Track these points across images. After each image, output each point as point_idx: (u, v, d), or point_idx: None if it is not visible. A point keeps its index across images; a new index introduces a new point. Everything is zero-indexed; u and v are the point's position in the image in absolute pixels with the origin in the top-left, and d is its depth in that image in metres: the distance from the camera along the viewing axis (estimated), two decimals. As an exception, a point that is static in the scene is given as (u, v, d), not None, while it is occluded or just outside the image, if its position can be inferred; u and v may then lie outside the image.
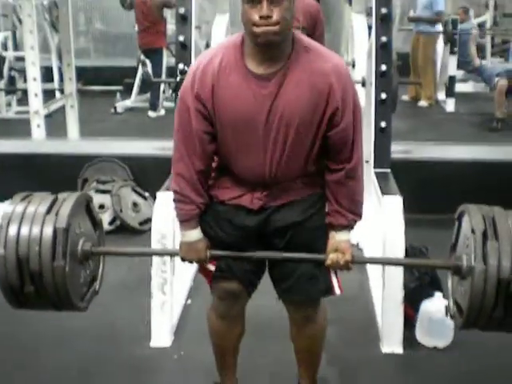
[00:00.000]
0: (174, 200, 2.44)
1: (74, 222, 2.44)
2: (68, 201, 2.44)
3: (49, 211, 2.40)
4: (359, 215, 2.45)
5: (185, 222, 2.45)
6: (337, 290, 2.53)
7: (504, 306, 2.25)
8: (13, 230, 2.36)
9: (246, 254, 2.47)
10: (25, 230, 2.36)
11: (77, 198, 2.48)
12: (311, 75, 2.24)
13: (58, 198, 2.48)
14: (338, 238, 2.43)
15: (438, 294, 3.48)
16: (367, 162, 4.32)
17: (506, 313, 2.26)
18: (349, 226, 2.44)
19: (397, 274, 3.32)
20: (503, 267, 2.23)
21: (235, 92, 2.26)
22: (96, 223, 2.63)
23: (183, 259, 2.51)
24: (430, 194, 5.01)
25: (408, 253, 3.45)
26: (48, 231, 2.35)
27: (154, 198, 3.58)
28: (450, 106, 8.62)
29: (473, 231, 2.30)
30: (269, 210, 2.43)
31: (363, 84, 4.72)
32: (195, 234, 2.45)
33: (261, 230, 2.45)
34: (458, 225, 2.51)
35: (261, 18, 2.14)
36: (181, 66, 4.04)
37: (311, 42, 2.32)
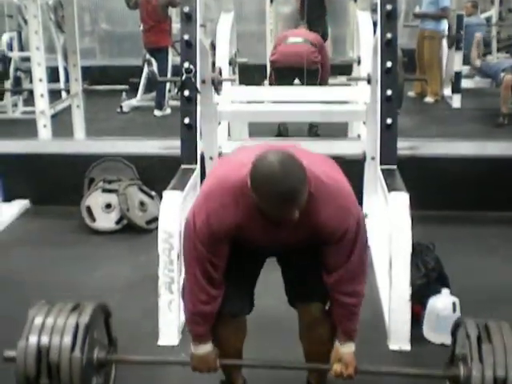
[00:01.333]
0: (189, 319, 2.56)
1: (94, 326, 2.62)
2: (89, 306, 2.65)
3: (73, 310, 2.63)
4: (355, 331, 2.60)
5: (197, 337, 2.56)
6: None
7: None
8: (38, 321, 2.57)
9: (250, 362, 2.71)
10: (49, 322, 2.56)
11: (98, 305, 2.71)
12: (310, 225, 2.34)
13: (81, 304, 2.68)
14: (342, 349, 2.57)
15: (445, 291, 3.48)
16: (373, 158, 4.32)
17: None
18: (350, 337, 2.58)
19: (404, 272, 3.32)
20: (499, 366, 2.40)
21: (254, 236, 2.41)
22: (111, 339, 2.81)
23: (195, 369, 2.62)
24: (437, 190, 5.02)
25: (415, 249, 3.44)
26: (70, 325, 2.55)
27: (161, 196, 3.59)
28: (456, 101, 8.59)
29: (468, 336, 2.50)
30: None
31: (369, 81, 4.72)
32: (207, 348, 2.57)
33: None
34: (454, 337, 2.71)
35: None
36: (186, 64, 4.04)
37: (319, 182, 2.31)
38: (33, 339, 2.53)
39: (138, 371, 3.07)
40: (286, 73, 6.46)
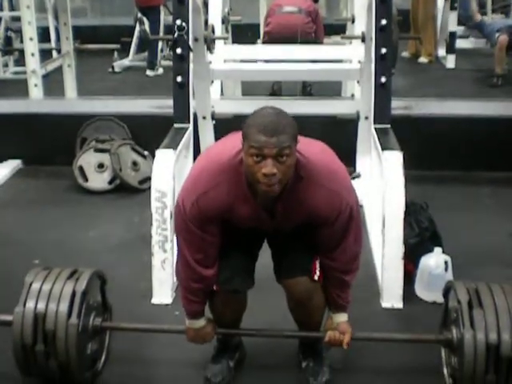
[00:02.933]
0: (183, 295, 2.55)
1: (90, 293, 2.66)
2: (86, 273, 2.69)
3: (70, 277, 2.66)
4: (348, 302, 2.61)
5: (191, 314, 2.58)
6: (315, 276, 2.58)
7: (495, 371, 2.42)
8: (35, 287, 2.61)
9: (247, 331, 2.72)
10: (46, 290, 2.60)
11: (95, 272, 2.74)
12: (302, 208, 2.34)
13: (78, 270, 2.72)
14: (335, 319, 2.59)
15: (437, 250, 3.49)
16: (367, 118, 4.30)
17: (497, 378, 2.43)
18: (343, 306, 2.59)
19: (397, 230, 3.32)
20: (490, 332, 2.42)
21: (244, 219, 2.39)
22: (106, 305, 2.83)
23: (191, 341, 2.66)
24: (431, 150, 5.01)
25: (408, 208, 3.44)
26: (67, 291, 2.59)
27: (153, 156, 3.56)
28: (451, 62, 8.54)
29: (458, 302, 2.53)
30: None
31: (363, 39, 4.67)
32: (201, 322, 2.60)
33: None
34: (446, 301, 2.72)
35: (264, 174, 2.16)
36: (178, 21, 3.98)
37: (309, 162, 2.31)
38: (30, 305, 2.56)
39: (130, 337, 3.08)
40: (280, 43, 6.40)
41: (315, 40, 6.62)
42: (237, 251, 2.56)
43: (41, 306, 2.56)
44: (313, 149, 2.35)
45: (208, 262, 2.47)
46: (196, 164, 2.51)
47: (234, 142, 2.31)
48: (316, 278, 2.56)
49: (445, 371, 2.74)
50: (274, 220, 2.39)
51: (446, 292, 2.76)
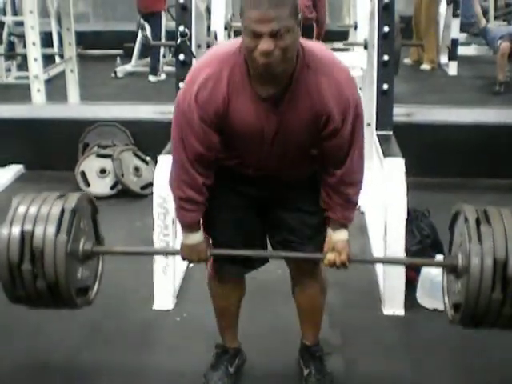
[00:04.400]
0: (177, 206, 2.45)
1: (80, 214, 2.49)
2: (76, 194, 2.52)
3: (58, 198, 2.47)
4: (353, 210, 2.46)
5: (187, 226, 2.47)
6: None
7: (502, 289, 2.28)
8: (22, 209, 2.43)
9: (245, 252, 2.52)
10: (33, 209, 2.42)
11: (86, 196, 2.61)
12: (311, 98, 2.20)
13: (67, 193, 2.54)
14: (334, 237, 2.45)
15: (439, 257, 3.48)
16: (369, 124, 4.30)
17: (504, 298, 2.29)
18: (344, 225, 2.46)
19: (399, 238, 3.32)
20: (498, 248, 2.29)
21: (244, 113, 2.23)
22: (98, 236, 2.67)
23: (185, 259, 2.54)
24: (433, 157, 5.01)
25: (410, 215, 3.44)
26: (56, 210, 2.40)
27: (156, 162, 3.57)
28: (453, 69, 8.56)
29: (466, 220, 2.37)
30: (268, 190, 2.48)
31: (365, 46, 4.68)
32: (197, 237, 2.48)
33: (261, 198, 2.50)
34: (452, 226, 2.58)
35: (261, 53, 2.04)
36: (181, 28, 3.99)
37: (313, 54, 2.21)
38: (16, 224, 2.39)
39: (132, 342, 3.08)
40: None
41: (313, 26, 6.43)
42: (234, 232, 2.52)
43: (28, 224, 2.38)
44: (315, 44, 2.29)
45: (203, 169, 2.34)
46: (196, 62, 2.47)
47: (235, 41, 2.26)
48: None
49: (446, 300, 2.62)
50: (278, 114, 2.22)
51: (453, 220, 2.60)
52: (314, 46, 2.26)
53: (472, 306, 2.33)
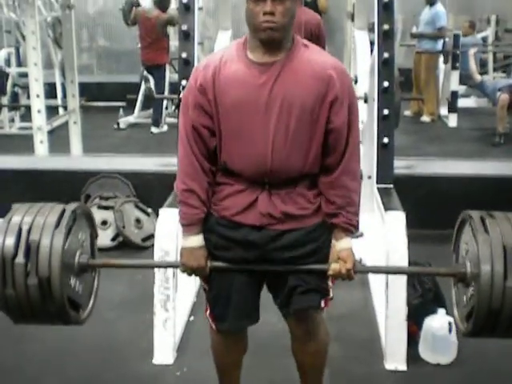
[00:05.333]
0: (180, 201, 2.44)
1: (79, 223, 2.44)
2: (74, 203, 2.48)
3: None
4: (356, 214, 2.43)
5: (188, 226, 2.44)
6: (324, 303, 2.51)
7: None
8: (22, 208, 2.37)
9: (246, 266, 2.44)
10: (33, 209, 2.37)
11: (82, 205, 2.56)
12: (311, 65, 2.33)
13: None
14: (338, 246, 2.41)
15: (441, 311, 3.47)
16: (369, 177, 4.32)
17: None
18: (347, 231, 2.41)
19: (400, 291, 3.31)
20: (507, 236, 2.27)
21: (236, 78, 2.32)
22: (93, 238, 2.61)
23: (184, 265, 2.46)
24: (433, 209, 5.01)
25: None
26: (57, 209, 2.37)
27: (157, 214, 3.58)
28: (453, 121, 8.63)
29: (470, 216, 2.39)
30: (273, 232, 2.41)
31: (366, 100, 4.73)
32: (198, 240, 2.44)
33: (264, 247, 2.42)
34: (458, 234, 2.54)
35: (264, 13, 2.23)
36: (184, 82, 4.05)
37: (310, 43, 2.41)
38: (15, 218, 2.32)
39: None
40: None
41: None
42: (234, 289, 2.47)
43: (27, 218, 2.32)
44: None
45: (205, 152, 2.39)
46: None
47: None
48: (323, 304, 2.51)
49: (455, 313, 2.54)
50: (276, 79, 2.29)
51: (459, 228, 2.58)
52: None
53: (484, 313, 2.27)
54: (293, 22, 2.30)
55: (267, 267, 2.46)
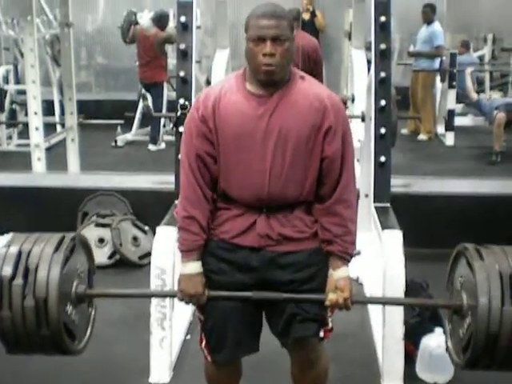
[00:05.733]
0: (180, 228, 2.46)
1: (77, 253, 2.47)
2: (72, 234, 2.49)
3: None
4: (352, 243, 2.44)
5: (188, 252, 2.44)
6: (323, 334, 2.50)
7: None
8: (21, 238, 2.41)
9: (244, 294, 2.43)
10: (32, 238, 2.41)
11: (80, 234, 2.57)
12: (307, 97, 2.38)
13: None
14: (335, 275, 2.41)
15: (438, 330, 3.46)
16: (367, 196, 4.33)
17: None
18: (343, 259, 2.42)
19: (397, 311, 3.30)
20: (503, 265, 2.30)
21: (236, 109, 2.37)
22: (91, 268, 2.63)
23: (182, 292, 2.45)
24: (430, 228, 5.02)
25: (408, 287, 3.43)
26: (56, 237, 2.41)
27: (154, 232, 3.58)
28: (450, 139, 8.66)
29: (465, 248, 2.42)
30: (271, 254, 2.42)
31: (363, 119, 4.75)
32: (196, 267, 2.44)
33: (262, 270, 2.43)
34: (453, 266, 2.57)
35: (264, 55, 2.29)
36: (181, 101, 4.07)
37: (306, 75, 2.47)
38: (14, 244, 2.37)
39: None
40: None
41: None
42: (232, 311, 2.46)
43: (26, 245, 2.36)
44: None
45: (207, 179, 2.43)
46: None
47: None
48: (322, 334, 2.49)
49: (449, 344, 2.56)
50: (274, 110, 2.35)
51: (455, 261, 2.59)
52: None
53: (482, 342, 2.28)
54: (291, 59, 2.38)
55: (266, 295, 2.44)
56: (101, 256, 4.96)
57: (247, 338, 2.51)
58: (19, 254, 2.33)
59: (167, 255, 3.38)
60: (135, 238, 5.03)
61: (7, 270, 2.30)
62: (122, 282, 4.70)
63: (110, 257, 4.97)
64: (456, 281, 2.53)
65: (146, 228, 5.09)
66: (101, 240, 5.00)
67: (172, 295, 2.52)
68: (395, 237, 3.46)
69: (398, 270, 3.32)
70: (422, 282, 3.75)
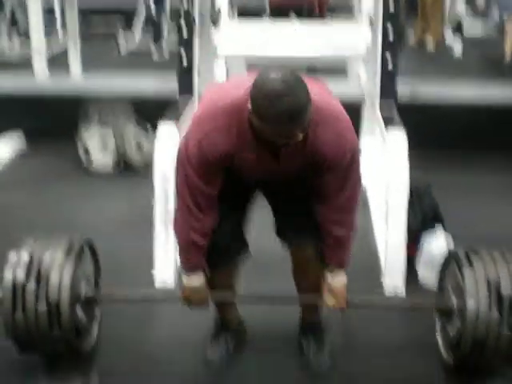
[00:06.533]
0: (181, 250, 2.48)
1: (84, 257, 2.69)
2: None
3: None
4: (344, 264, 2.54)
5: (189, 269, 2.49)
6: None
7: (498, 309, 2.42)
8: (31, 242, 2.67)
9: (242, 297, 2.67)
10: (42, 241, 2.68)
11: (88, 239, 2.79)
12: (308, 149, 2.24)
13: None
14: (331, 281, 2.51)
15: (440, 232, 3.47)
16: (372, 99, 4.26)
17: (501, 316, 2.42)
18: (340, 266, 2.52)
19: (400, 213, 3.31)
20: (489, 270, 2.47)
21: (247, 161, 2.29)
22: (98, 268, 2.85)
23: (186, 301, 2.55)
24: (437, 134, 5.00)
25: (412, 190, 3.42)
26: (65, 240, 2.65)
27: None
28: (458, 49, 8.50)
29: (456, 254, 2.62)
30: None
31: (371, 23, 4.63)
32: (199, 279, 2.50)
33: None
34: (443, 268, 2.75)
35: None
36: (185, 4, 3.99)
37: (319, 110, 2.19)
38: (26, 249, 2.59)
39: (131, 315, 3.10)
40: (283, 11, 6.40)
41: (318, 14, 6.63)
42: (228, 214, 2.50)
43: (38, 250, 2.57)
44: (314, 89, 2.16)
45: (208, 212, 2.39)
46: (199, 107, 2.47)
47: (239, 84, 2.28)
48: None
49: (439, 341, 2.75)
50: (277, 162, 2.29)
51: (445, 264, 2.76)
52: (320, 101, 2.22)
53: (468, 350, 2.48)
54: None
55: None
56: (105, 162, 4.95)
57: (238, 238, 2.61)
58: (31, 259, 2.51)
59: (170, 154, 3.33)
60: (139, 143, 5.00)
61: (20, 275, 2.49)
62: (127, 186, 4.71)
63: (115, 161, 4.96)
64: (447, 283, 2.67)
65: (150, 133, 5.05)
66: (104, 146, 4.97)
67: (176, 299, 2.59)
68: (399, 137, 3.41)
69: (402, 170, 3.30)
70: (426, 185, 3.74)
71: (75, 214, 4.22)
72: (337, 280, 2.52)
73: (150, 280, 3.39)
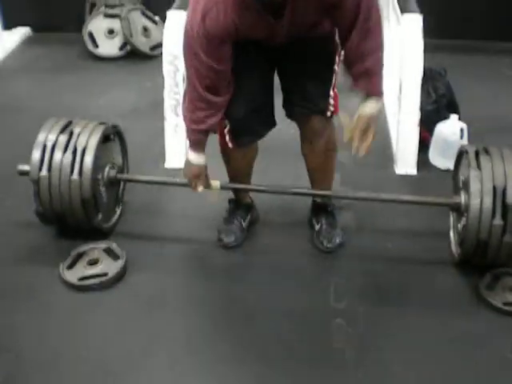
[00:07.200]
0: (188, 125, 2.47)
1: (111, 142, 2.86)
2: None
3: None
4: (375, 92, 2.34)
5: (193, 145, 2.52)
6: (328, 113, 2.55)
7: (502, 216, 2.40)
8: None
9: (253, 187, 2.74)
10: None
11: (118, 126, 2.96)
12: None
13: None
14: (360, 109, 2.34)
15: (453, 117, 3.43)
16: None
17: (504, 224, 2.40)
18: (374, 94, 2.34)
19: (414, 96, 3.26)
20: (497, 174, 2.42)
21: (252, 25, 2.23)
22: (125, 151, 3.01)
23: (183, 174, 2.61)
24: (451, 18, 4.89)
25: (426, 74, 3.35)
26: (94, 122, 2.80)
27: (165, 22, 3.44)
28: None
29: (466, 152, 2.57)
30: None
31: None
32: (196, 158, 2.53)
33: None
34: (456, 167, 2.73)
35: None
36: None
37: None
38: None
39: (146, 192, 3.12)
40: None
41: None
42: (249, 87, 2.48)
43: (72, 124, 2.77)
44: None
45: (218, 90, 2.37)
46: None
47: None
48: (329, 113, 2.54)
49: (451, 235, 2.76)
50: (284, 21, 2.23)
51: (458, 159, 2.75)
52: None
53: (471, 251, 2.48)
54: None
55: (278, 189, 2.77)
56: (111, 47, 4.88)
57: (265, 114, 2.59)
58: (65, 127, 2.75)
59: (179, 39, 3.28)
60: (145, 29, 4.91)
61: (52, 136, 2.70)
62: (135, 72, 4.67)
63: (121, 48, 4.89)
64: (459, 179, 2.66)
65: (157, 18, 4.94)
66: (110, 31, 4.89)
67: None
68: (414, 21, 3.32)
69: (416, 54, 3.23)
70: (440, 69, 3.67)
71: (81, 101, 4.17)
72: (365, 110, 2.34)
73: (161, 164, 3.43)
